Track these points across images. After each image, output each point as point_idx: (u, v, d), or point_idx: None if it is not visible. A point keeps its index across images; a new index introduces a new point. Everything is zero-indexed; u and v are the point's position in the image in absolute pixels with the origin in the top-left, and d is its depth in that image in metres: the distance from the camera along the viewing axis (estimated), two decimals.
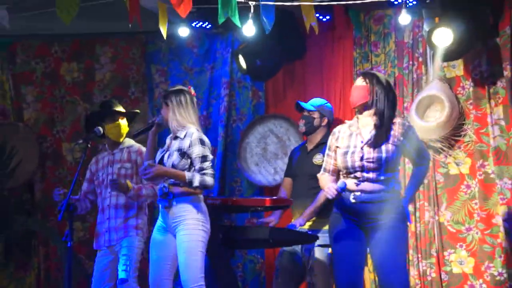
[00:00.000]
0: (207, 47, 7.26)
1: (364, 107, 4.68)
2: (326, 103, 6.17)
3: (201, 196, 5.12)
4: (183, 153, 5.06)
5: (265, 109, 7.14)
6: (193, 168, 5.03)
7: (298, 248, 6.06)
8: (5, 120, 7.35)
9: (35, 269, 7.21)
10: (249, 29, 5.55)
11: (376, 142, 4.59)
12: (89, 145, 5.79)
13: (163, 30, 5.17)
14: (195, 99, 5.24)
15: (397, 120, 4.67)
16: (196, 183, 4.95)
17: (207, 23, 6.59)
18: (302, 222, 5.88)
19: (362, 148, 4.63)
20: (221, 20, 4.95)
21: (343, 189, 4.59)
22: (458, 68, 6.01)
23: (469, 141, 5.95)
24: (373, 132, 4.63)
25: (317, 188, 5.90)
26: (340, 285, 4.74)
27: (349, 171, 4.68)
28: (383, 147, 4.57)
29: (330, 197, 4.63)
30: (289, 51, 6.70)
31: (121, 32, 7.13)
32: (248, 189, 7.12)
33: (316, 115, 6.03)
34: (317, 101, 6.14)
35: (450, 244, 5.94)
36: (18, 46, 7.38)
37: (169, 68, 7.37)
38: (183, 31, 6.52)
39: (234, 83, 7.17)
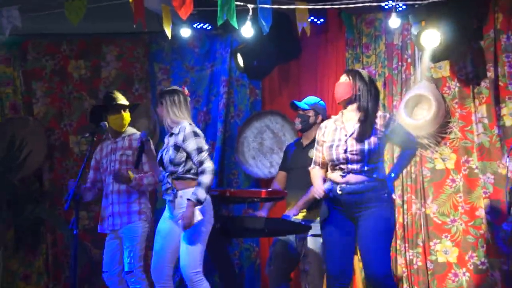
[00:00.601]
0: (207, 47, 7.22)
1: (347, 102, 4.67)
2: (320, 101, 6.15)
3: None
4: (177, 147, 5.00)
5: (261, 106, 7.12)
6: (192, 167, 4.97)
7: (292, 237, 6.04)
8: (16, 114, 7.32)
9: (43, 255, 7.18)
10: (247, 31, 5.57)
11: (361, 136, 4.56)
12: (94, 139, 5.74)
13: (168, 31, 5.17)
14: (188, 99, 5.18)
15: (379, 113, 4.64)
16: (202, 196, 4.86)
17: (207, 24, 6.53)
18: (295, 213, 5.85)
19: (346, 141, 4.60)
20: (220, 22, 4.96)
21: (330, 190, 4.61)
22: (444, 69, 6.00)
23: (454, 138, 5.93)
24: (357, 125, 4.60)
25: (309, 182, 5.86)
26: (330, 272, 4.72)
27: (335, 164, 4.65)
28: (366, 141, 4.55)
29: (318, 197, 4.69)
30: (285, 51, 6.65)
31: (126, 32, 7.09)
32: (244, 181, 7.10)
33: (311, 113, 6.01)
34: (311, 99, 6.11)
35: (436, 235, 5.93)
36: (29, 44, 7.33)
37: (171, 66, 7.33)
38: (185, 32, 6.46)
39: (232, 81, 7.15)
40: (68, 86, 7.34)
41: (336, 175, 4.64)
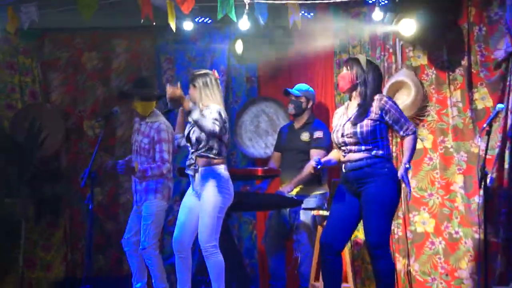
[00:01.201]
0: (208, 39, 7.21)
1: (350, 91, 4.69)
2: (310, 88, 6.22)
3: (223, 166, 5.04)
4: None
5: (257, 93, 7.14)
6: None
7: (285, 211, 6.11)
8: (35, 101, 7.31)
9: (62, 227, 7.20)
10: (244, 24, 5.55)
11: (355, 120, 4.59)
12: (107, 123, 5.80)
13: (172, 25, 5.16)
14: (218, 81, 5.15)
15: (377, 96, 4.63)
16: (194, 116, 4.82)
17: (208, 18, 6.55)
18: (289, 189, 5.92)
19: (343, 126, 4.64)
20: (220, 16, 4.96)
21: (319, 163, 4.65)
22: (422, 58, 5.99)
23: (431, 120, 5.93)
24: (355, 110, 4.63)
25: (304, 161, 5.97)
26: (322, 239, 4.76)
27: (338, 146, 4.73)
28: (359, 124, 4.56)
29: (312, 171, 4.73)
30: (279, 42, 6.65)
31: (134, 26, 7.00)
32: (242, 161, 7.13)
33: (303, 99, 6.09)
34: (302, 86, 6.16)
35: (415, 208, 5.94)
36: (46, 38, 7.32)
37: (175, 57, 7.32)
38: (187, 25, 6.47)
39: (230, 70, 7.17)
40: (81, 76, 7.34)
41: (341, 157, 4.71)
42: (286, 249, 6.28)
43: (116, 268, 7.15)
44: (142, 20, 5.16)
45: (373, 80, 4.65)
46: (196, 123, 4.88)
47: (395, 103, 4.66)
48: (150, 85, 5.86)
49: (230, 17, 4.98)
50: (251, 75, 7.13)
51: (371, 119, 4.56)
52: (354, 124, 4.58)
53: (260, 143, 6.97)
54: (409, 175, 5.81)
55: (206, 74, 5.11)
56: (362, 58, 4.73)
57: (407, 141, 4.64)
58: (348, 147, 4.63)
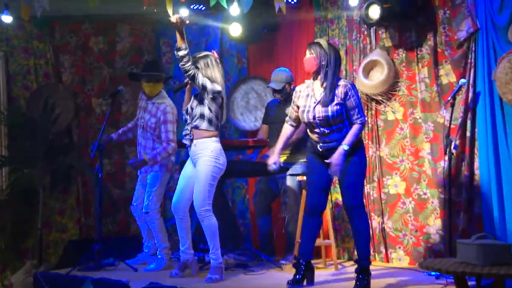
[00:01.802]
0: (202, 24, 7.21)
1: (316, 73, 4.69)
2: (286, 72, 6.10)
3: (215, 138, 5.08)
4: (201, 99, 5.07)
5: (247, 72, 7.15)
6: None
7: (274, 176, 6.15)
8: (48, 81, 7.36)
9: (75, 194, 7.31)
10: (234, 10, 5.56)
11: (324, 104, 4.59)
12: (113, 101, 5.86)
13: (170, 11, 5.17)
14: (218, 61, 5.16)
15: (342, 82, 4.64)
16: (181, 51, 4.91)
17: (202, 5, 6.56)
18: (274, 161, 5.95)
19: (314, 108, 4.65)
20: (212, 3, 4.97)
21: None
22: (394, 39, 5.96)
23: (402, 94, 5.92)
24: (322, 93, 4.63)
25: None
26: (307, 204, 4.82)
27: (309, 126, 4.73)
28: (329, 107, 4.58)
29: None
30: (266, 26, 6.70)
31: (136, 13, 7.08)
32: (235, 133, 7.18)
33: (286, 86, 6.05)
34: (281, 76, 6.05)
35: (388, 172, 5.97)
36: (56, 24, 7.36)
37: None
38: (184, 12, 6.39)
39: (223, 52, 7.17)
40: (89, 58, 7.40)
41: (314, 136, 4.71)
42: (272, 209, 6.35)
43: (123, 229, 7.27)
44: (144, 8, 5.20)
45: (335, 60, 4.65)
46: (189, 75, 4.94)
47: (357, 92, 4.67)
48: (157, 68, 5.87)
49: (222, 5, 5.01)
50: (241, 56, 7.14)
51: (338, 104, 4.57)
52: (325, 107, 4.58)
53: (250, 117, 7.02)
54: (382, 144, 5.99)
55: (206, 56, 5.12)
56: (323, 42, 4.71)
57: (354, 127, 4.61)
58: (321, 129, 4.64)
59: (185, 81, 5.28)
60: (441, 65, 5.69)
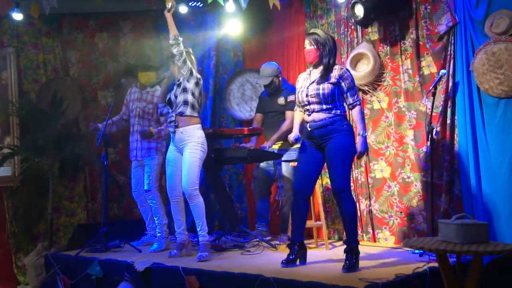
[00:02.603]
0: (200, 20, 7.21)
1: (319, 63, 4.69)
2: (274, 66, 6.10)
3: (200, 125, 5.20)
4: (184, 89, 5.19)
5: (242, 65, 7.12)
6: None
7: (270, 162, 6.17)
8: (57, 75, 7.34)
9: (82, 181, 7.31)
10: (230, 7, 5.55)
11: (317, 83, 4.61)
12: (116, 93, 5.87)
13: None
14: (193, 55, 5.30)
15: (337, 66, 4.66)
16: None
17: (200, 2, 6.55)
18: (270, 145, 5.97)
19: (307, 87, 4.66)
20: (210, 0, 4.95)
21: (297, 138, 4.69)
22: (379, 33, 5.95)
23: (387, 85, 5.91)
24: (318, 75, 4.65)
25: (281, 121, 6.03)
26: (294, 187, 4.81)
27: (302, 105, 4.72)
28: (321, 85, 4.58)
29: (290, 141, 4.74)
30: (260, 22, 6.69)
31: (138, 10, 7.12)
32: (231, 122, 7.16)
33: (274, 79, 6.06)
34: (267, 70, 6.05)
35: (374, 158, 5.96)
36: (64, 21, 7.33)
37: None
38: (183, 9, 6.51)
39: (220, 46, 7.15)
40: (95, 53, 7.38)
41: (305, 116, 4.71)
42: (271, 193, 6.37)
43: (128, 214, 7.28)
44: (145, 5, 5.18)
45: (333, 48, 4.67)
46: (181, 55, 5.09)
47: (351, 75, 4.68)
48: (150, 59, 5.92)
49: (218, 1, 5.00)
50: (237, 50, 7.11)
51: (331, 83, 4.59)
52: (317, 85, 4.59)
53: (245, 107, 6.99)
54: (369, 132, 5.96)
55: (184, 50, 5.22)
56: (321, 32, 4.70)
57: (357, 112, 4.65)
58: (312, 106, 4.64)
59: (164, 75, 5.36)
60: (423, 57, 5.68)
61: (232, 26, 6.63)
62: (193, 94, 5.18)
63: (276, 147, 6.01)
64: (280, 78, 6.09)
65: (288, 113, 5.99)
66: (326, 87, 4.59)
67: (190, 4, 6.49)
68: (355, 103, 4.67)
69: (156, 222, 5.83)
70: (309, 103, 4.65)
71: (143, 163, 5.80)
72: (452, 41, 5.40)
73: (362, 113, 4.73)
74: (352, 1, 5.69)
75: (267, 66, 6.06)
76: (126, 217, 7.25)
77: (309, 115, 4.68)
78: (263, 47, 6.94)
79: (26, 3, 5.78)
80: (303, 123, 4.85)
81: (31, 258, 6.51)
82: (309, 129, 4.69)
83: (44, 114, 6.93)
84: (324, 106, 4.62)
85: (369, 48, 5.91)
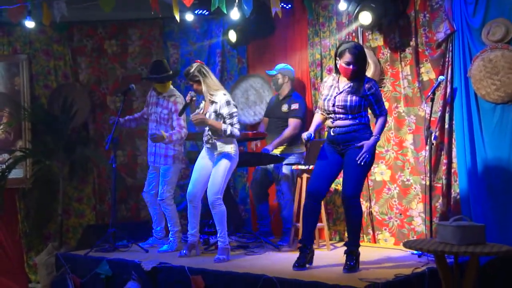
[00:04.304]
0: (206, 28, 7.22)
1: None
2: (286, 65, 6.20)
3: (231, 139, 5.14)
4: (218, 114, 5.08)
5: (247, 71, 7.11)
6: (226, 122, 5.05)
7: (270, 166, 6.16)
8: (67, 80, 7.34)
9: (91, 183, 7.30)
10: (234, 14, 5.55)
11: (345, 95, 4.58)
12: (125, 97, 5.87)
13: (176, 16, 5.16)
14: (205, 65, 5.23)
15: (366, 80, 4.62)
16: (228, 132, 5.00)
17: (205, 10, 6.55)
18: (270, 149, 5.98)
19: (335, 97, 4.63)
20: (213, 8, 4.95)
21: (309, 137, 4.63)
22: (379, 40, 5.96)
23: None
24: (347, 86, 4.60)
25: (283, 127, 6.05)
26: (308, 188, 4.79)
27: (327, 112, 4.70)
28: (349, 97, 4.56)
29: (303, 138, 4.70)
30: (264, 29, 6.68)
31: (145, 18, 7.14)
32: None
33: (279, 76, 6.12)
34: (279, 66, 6.19)
35: (375, 161, 5.74)
36: (74, 28, 7.33)
37: (180, 43, 7.34)
38: (189, 16, 6.51)
39: (225, 53, 7.14)
40: (104, 59, 7.36)
41: (328, 122, 4.70)
42: (269, 194, 6.36)
43: (135, 215, 7.27)
44: (152, 13, 5.20)
45: (363, 63, 4.63)
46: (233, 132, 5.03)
47: (378, 88, 4.68)
48: (166, 69, 5.88)
49: (222, 9, 5.00)
50: (241, 56, 7.10)
51: (358, 96, 4.56)
52: (346, 97, 4.56)
53: (249, 112, 6.97)
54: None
55: (198, 67, 5.13)
56: (360, 46, 4.65)
57: (381, 120, 4.67)
58: (337, 115, 4.62)
59: (188, 99, 5.25)
60: (422, 64, 5.69)
61: (234, 37, 6.61)
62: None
63: (277, 151, 6.02)
64: (287, 80, 6.11)
65: (291, 121, 6.02)
66: (354, 99, 4.56)
67: (195, 12, 6.50)
68: (380, 114, 4.68)
69: (169, 228, 5.80)
70: (335, 112, 4.64)
71: (159, 169, 5.78)
72: (450, 48, 5.41)
73: (384, 123, 4.72)
74: (358, 9, 5.68)
75: (281, 64, 6.19)
76: (133, 219, 7.24)
77: (333, 122, 4.67)
78: (267, 53, 6.93)
79: (37, 11, 5.80)
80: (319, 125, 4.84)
81: (42, 257, 6.53)
82: (332, 134, 4.67)
83: (55, 119, 6.93)
84: (350, 116, 4.61)
85: (370, 54, 5.87)
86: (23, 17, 5.78)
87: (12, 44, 7.25)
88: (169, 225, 5.79)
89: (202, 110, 5.20)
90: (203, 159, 5.25)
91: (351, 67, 4.55)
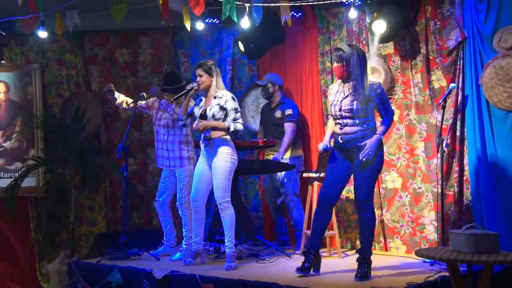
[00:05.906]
0: (216, 36, 7.24)
1: (347, 78, 4.65)
2: (275, 75, 6.34)
3: (229, 137, 5.16)
4: (221, 107, 5.10)
5: (257, 79, 7.06)
6: (228, 118, 5.08)
7: (279, 175, 6.18)
8: (79, 89, 7.38)
9: (102, 192, 7.32)
10: (245, 23, 5.54)
11: (351, 98, 4.58)
12: (137, 106, 5.88)
13: (187, 25, 5.19)
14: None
15: (370, 83, 4.62)
16: (232, 129, 5.04)
17: (215, 19, 6.52)
18: (280, 156, 6.00)
19: (341, 102, 4.63)
20: (224, 17, 4.97)
21: (325, 149, 4.70)
22: (390, 48, 5.95)
23: (398, 98, 5.89)
24: (351, 90, 4.62)
25: (280, 133, 6.16)
26: (320, 195, 4.80)
27: (334, 118, 4.71)
28: (355, 102, 4.56)
29: (319, 149, 4.77)
30: (274, 38, 6.68)
31: (156, 27, 7.14)
32: (247, 135, 7.12)
33: (269, 85, 6.26)
34: (267, 76, 6.36)
35: (386, 169, 5.90)
36: (86, 37, 7.37)
37: (190, 51, 7.36)
38: (199, 25, 6.51)
39: (235, 61, 7.17)
40: (115, 68, 7.39)
41: (336, 128, 4.70)
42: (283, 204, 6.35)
43: (147, 223, 7.27)
44: (162, 22, 5.21)
45: (358, 60, 4.59)
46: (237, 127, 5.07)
47: (384, 90, 4.68)
48: (179, 80, 5.88)
49: (232, 18, 5.02)
50: (252, 65, 7.11)
51: (364, 99, 4.55)
52: (351, 101, 4.57)
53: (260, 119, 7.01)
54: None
55: (213, 64, 5.22)
56: (344, 47, 4.67)
57: (386, 119, 4.68)
58: (344, 120, 4.62)
59: (189, 87, 5.27)
60: (433, 71, 5.67)
61: (247, 41, 6.61)
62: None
63: (287, 155, 6.15)
64: (277, 88, 6.25)
65: (287, 125, 6.16)
66: (359, 102, 4.57)
67: (206, 21, 6.50)
68: (386, 115, 4.69)
69: (183, 233, 5.78)
70: (342, 117, 4.64)
71: (176, 173, 5.76)
72: (461, 56, 5.40)
73: (390, 123, 4.74)
74: (371, 18, 5.67)
75: (270, 73, 6.36)
76: (145, 227, 7.24)
77: (341, 128, 4.67)
78: (277, 61, 6.92)
79: (50, 22, 5.84)
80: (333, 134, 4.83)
81: (55, 265, 6.54)
82: (340, 141, 4.67)
83: (67, 127, 6.97)
84: (357, 121, 4.61)
85: (380, 62, 5.91)
86: (36, 27, 5.82)
87: (25, 53, 7.30)
88: (184, 230, 5.76)
89: (202, 108, 5.21)
90: (202, 163, 5.25)
91: (335, 64, 4.64)
